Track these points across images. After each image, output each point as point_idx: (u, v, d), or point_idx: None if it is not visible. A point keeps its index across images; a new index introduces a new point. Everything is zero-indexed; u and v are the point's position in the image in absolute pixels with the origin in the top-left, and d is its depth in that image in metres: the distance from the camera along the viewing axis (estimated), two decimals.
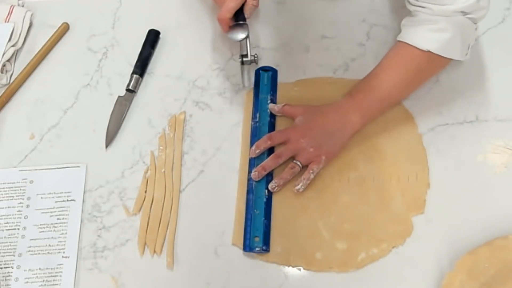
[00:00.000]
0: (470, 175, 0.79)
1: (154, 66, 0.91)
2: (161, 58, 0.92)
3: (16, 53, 0.94)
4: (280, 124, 0.84)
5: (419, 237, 0.75)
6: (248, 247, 0.74)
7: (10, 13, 0.96)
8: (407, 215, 0.76)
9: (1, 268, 0.77)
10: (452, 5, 0.73)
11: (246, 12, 0.80)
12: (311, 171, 0.77)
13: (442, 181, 0.78)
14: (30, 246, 0.78)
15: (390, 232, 0.75)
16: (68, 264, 0.76)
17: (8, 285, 0.75)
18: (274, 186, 0.78)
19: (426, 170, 0.79)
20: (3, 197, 0.82)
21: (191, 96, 0.88)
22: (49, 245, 0.78)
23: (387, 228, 0.75)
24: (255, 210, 0.77)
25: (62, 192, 0.81)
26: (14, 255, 0.78)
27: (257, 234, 0.75)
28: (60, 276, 0.76)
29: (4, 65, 0.92)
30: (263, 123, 0.83)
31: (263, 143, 0.79)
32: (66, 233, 0.78)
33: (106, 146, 0.85)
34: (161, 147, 0.84)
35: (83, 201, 0.81)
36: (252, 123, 0.84)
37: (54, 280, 0.75)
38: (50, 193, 0.81)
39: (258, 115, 0.84)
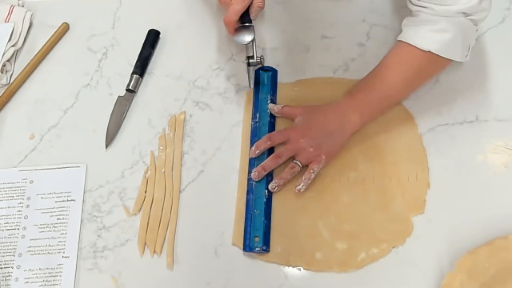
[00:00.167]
0: (470, 175, 0.79)
1: (154, 66, 0.91)
2: (161, 58, 0.92)
3: (16, 53, 0.94)
4: (280, 124, 0.84)
5: (419, 237, 0.75)
6: (248, 247, 0.75)
7: (10, 13, 0.96)
8: (407, 215, 0.76)
9: (1, 268, 0.77)
10: (453, 5, 0.73)
11: (252, 14, 0.80)
12: (311, 171, 0.77)
13: (442, 181, 0.78)
14: (30, 246, 0.78)
15: (390, 232, 0.75)
16: (68, 264, 0.76)
17: (8, 285, 0.76)
18: (274, 186, 0.78)
19: (426, 170, 0.79)
20: (3, 197, 0.82)
21: (191, 96, 0.88)
22: (49, 245, 0.78)
23: (387, 228, 0.75)
24: (255, 210, 0.77)
25: (62, 192, 0.81)
26: (14, 255, 0.78)
27: (257, 234, 0.75)
28: (60, 276, 0.76)
29: (4, 65, 0.92)
30: (263, 123, 0.83)
31: (263, 143, 0.79)
32: (66, 233, 0.78)
33: (106, 146, 0.85)
34: (161, 147, 0.84)
35: (83, 201, 0.81)
36: (252, 123, 0.84)
37: (54, 280, 0.75)
38: (50, 193, 0.81)
39: (258, 115, 0.84)
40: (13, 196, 0.82)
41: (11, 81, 0.91)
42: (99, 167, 0.83)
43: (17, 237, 0.79)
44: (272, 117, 0.84)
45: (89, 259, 0.77)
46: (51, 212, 0.80)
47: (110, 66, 0.92)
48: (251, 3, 0.79)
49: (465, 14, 0.74)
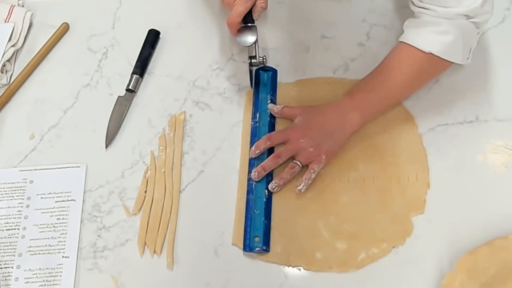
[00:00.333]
0: (470, 175, 0.79)
1: (154, 66, 0.91)
2: (161, 58, 0.92)
3: (16, 53, 0.94)
4: (280, 124, 0.84)
5: (419, 237, 0.75)
6: (248, 247, 0.75)
7: (10, 13, 0.96)
8: (407, 215, 0.76)
9: (1, 268, 0.77)
10: (456, 8, 0.73)
11: (255, 15, 0.79)
12: (312, 171, 0.77)
13: (442, 181, 0.78)
14: (30, 246, 0.78)
15: (390, 232, 0.75)
16: (68, 264, 0.76)
17: (8, 285, 0.76)
18: (274, 186, 0.78)
19: (426, 170, 0.79)
20: (3, 197, 0.82)
21: (191, 96, 0.88)
22: (49, 245, 0.78)
23: (387, 228, 0.75)
24: (255, 210, 0.77)
25: (62, 192, 0.81)
26: (14, 255, 0.78)
27: (257, 234, 0.75)
28: (60, 276, 0.76)
29: (4, 65, 0.92)
30: (263, 123, 0.83)
31: (263, 143, 0.79)
32: (66, 233, 0.78)
33: (106, 146, 0.85)
34: (161, 147, 0.84)
35: (83, 201, 0.81)
36: (252, 123, 0.84)
37: (54, 280, 0.75)
38: (50, 193, 0.81)
39: (258, 115, 0.84)
40: (13, 196, 0.82)
41: (11, 81, 0.91)
42: (99, 167, 0.83)
43: (17, 237, 0.79)
44: (272, 117, 0.84)
45: (89, 259, 0.77)
46: (51, 212, 0.80)
47: (110, 66, 0.92)
48: (254, 3, 0.79)
49: (467, 16, 0.74)
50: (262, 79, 0.87)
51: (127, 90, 0.88)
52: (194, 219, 0.79)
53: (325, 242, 0.75)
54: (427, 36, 0.76)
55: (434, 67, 0.79)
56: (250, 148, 0.80)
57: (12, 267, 0.77)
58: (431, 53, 0.75)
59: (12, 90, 0.90)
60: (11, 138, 0.87)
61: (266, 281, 0.74)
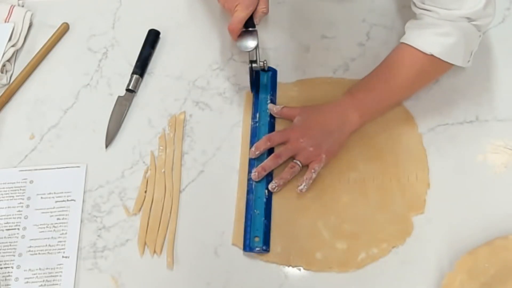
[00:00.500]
0: (470, 175, 0.79)
1: (154, 66, 0.91)
2: (161, 58, 0.92)
3: (16, 53, 0.94)
4: (279, 124, 0.84)
5: (419, 237, 0.75)
6: (248, 247, 0.75)
7: (10, 13, 0.96)
8: (407, 215, 0.76)
9: (1, 268, 0.77)
10: (458, 10, 0.73)
11: (256, 19, 0.78)
12: (312, 170, 0.77)
13: (442, 181, 0.78)
14: (30, 246, 0.78)
15: (390, 232, 0.75)
16: (68, 264, 0.76)
17: (8, 285, 0.76)
18: (274, 186, 0.78)
19: (426, 170, 0.79)
20: (3, 197, 0.82)
21: (191, 96, 0.88)
22: (49, 245, 0.78)
23: (387, 228, 0.75)
24: (255, 210, 0.77)
25: (62, 192, 0.81)
26: (14, 255, 0.78)
27: (257, 234, 0.75)
28: (60, 276, 0.76)
29: (4, 65, 0.92)
30: (263, 123, 0.83)
31: (263, 144, 0.79)
32: (66, 233, 0.78)
33: (106, 146, 0.85)
34: (161, 147, 0.84)
35: (83, 201, 0.81)
36: (252, 123, 0.84)
37: (54, 280, 0.75)
38: (50, 193, 0.81)
39: (258, 115, 0.84)
40: (13, 196, 0.82)
41: (11, 81, 0.91)
42: (99, 167, 0.83)
43: (17, 237, 0.79)
44: (272, 117, 0.84)
45: (89, 259, 0.77)
46: (51, 212, 0.80)
47: (110, 66, 0.92)
48: (255, 8, 0.78)
49: (469, 19, 0.74)
50: (262, 79, 0.87)
51: (127, 90, 0.88)
52: (194, 219, 0.79)
53: (325, 242, 0.75)
54: (429, 38, 0.76)
55: (434, 68, 0.79)
56: (250, 148, 0.80)
57: (12, 267, 0.77)
58: (432, 55, 0.75)
59: (12, 90, 0.90)
60: (11, 138, 0.87)
61: (266, 281, 0.74)
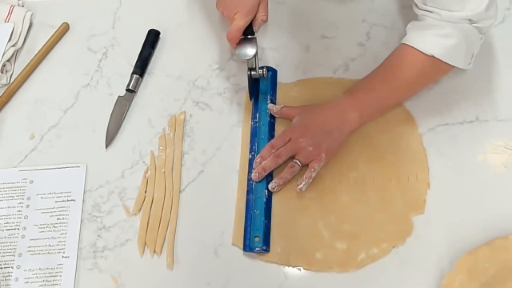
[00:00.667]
0: (470, 175, 0.79)
1: (154, 66, 0.91)
2: (161, 58, 0.92)
3: (16, 53, 0.94)
4: (279, 123, 0.84)
5: (419, 237, 0.75)
6: (248, 247, 0.75)
7: (10, 13, 0.96)
8: (407, 215, 0.76)
9: (1, 268, 0.77)
10: (460, 12, 0.73)
11: (255, 27, 0.78)
12: (312, 170, 0.77)
13: (442, 181, 0.78)
14: (30, 246, 0.78)
15: (390, 232, 0.75)
16: (68, 264, 0.76)
17: (8, 285, 0.76)
18: (274, 186, 0.78)
19: (426, 170, 0.79)
20: (3, 197, 0.82)
21: (191, 96, 0.88)
22: (49, 245, 0.78)
23: (387, 228, 0.75)
24: (255, 210, 0.76)
25: (62, 192, 0.81)
26: (14, 255, 0.78)
27: (257, 234, 0.75)
28: (60, 276, 0.76)
29: (4, 65, 0.92)
30: (263, 123, 0.83)
31: (268, 152, 0.79)
32: (66, 233, 0.78)
33: (106, 146, 0.85)
34: (161, 147, 0.84)
35: (83, 201, 0.81)
36: (252, 123, 0.84)
37: (54, 280, 0.75)
38: (50, 193, 0.81)
39: (258, 115, 0.84)
40: (13, 196, 0.82)
41: (11, 81, 0.91)
42: (99, 167, 0.83)
43: (17, 237, 0.79)
44: (272, 117, 0.84)
45: (89, 259, 0.77)
46: (51, 212, 0.80)
47: (110, 66, 0.92)
48: (254, 16, 0.77)
49: (471, 21, 0.74)
50: (262, 79, 0.87)
51: (127, 90, 0.88)
52: (194, 219, 0.79)
53: (325, 242, 0.75)
54: (430, 39, 0.76)
55: (435, 70, 0.79)
56: (250, 151, 0.81)
57: (12, 267, 0.77)
58: (433, 56, 0.75)
59: (12, 90, 0.90)
60: (11, 138, 0.87)
61: (266, 281, 0.74)
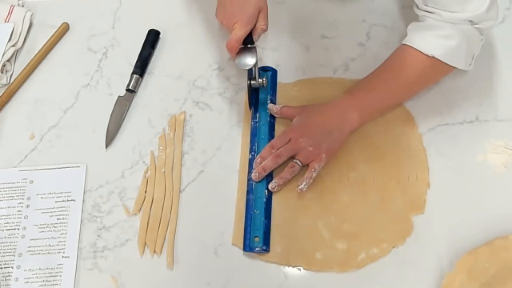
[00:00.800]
0: (470, 175, 0.79)
1: (154, 66, 0.91)
2: (161, 58, 0.92)
3: (16, 53, 0.94)
4: (279, 123, 0.84)
5: (419, 237, 0.75)
6: (248, 247, 0.75)
7: (10, 13, 0.96)
8: (407, 215, 0.76)
9: (1, 268, 0.77)
10: (461, 13, 0.73)
11: (255, 36, 0.77)
12: (313, 170, 0.77)
13: (442, 181, 0.78)
14: (30, 246, 0.78)
15: (390, 232, 0.75)
16: (68, 264, 0.76)
17: (8, 285, 0.76)
18: (274, 186, 0.78)
19: (426, 170, 0.79)
20: (3, 197, 0.82)
21: (191, 96, 0.88)
22: (49, 245, 0.78)
23: (387, 228, 0.75)
24: (255, 210, 0.76)
25: (62, 192, 0.81)
26: (14, 255, 0.78)
27: (257, 234, 0.75)
28: (60, 276, 0.76)
29: (4, 65, 0.92)
30: (263, 123, 0.83)
31: (268, 153, 0.79)
32: (66, 233, 0.78)
33: (106, 146, 0.85)
34: (161, 147, 0.84)
35: (83, 201, 0.81)
36: (252, 123, 0.84)
37: (54, 280, 0.75)
38: (50, 193, 0.81)
39: (258, 115, 0.84)
40: (13, 196, 0.82)
41: (11, 81, 0.91)
42: (99, 167, 0.83)
43: (17, 237, 0.79)
44: (272, 117, 0.84)
45: (89, 259, 0.77)
46: (51, 212, 0.80)
47: (110, 66, 0.92)
48: (254, 25, 0.76)
49: (472, 22, 0.74)
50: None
51: (127, 90, 0.88)
52: (194, 219, 0.79)
53: (325, 242, 0.75)
54: (431, 40, 0.76)
55: (436, 71, 0.79)
56: (250, 151, 0.81)
57: (12, 267, 0.77)
58: (433, 57, 0.75)
59: (12, 90, 0.90)
60: (11, 138, 0.87)
61: (266, 281, 0.74)
